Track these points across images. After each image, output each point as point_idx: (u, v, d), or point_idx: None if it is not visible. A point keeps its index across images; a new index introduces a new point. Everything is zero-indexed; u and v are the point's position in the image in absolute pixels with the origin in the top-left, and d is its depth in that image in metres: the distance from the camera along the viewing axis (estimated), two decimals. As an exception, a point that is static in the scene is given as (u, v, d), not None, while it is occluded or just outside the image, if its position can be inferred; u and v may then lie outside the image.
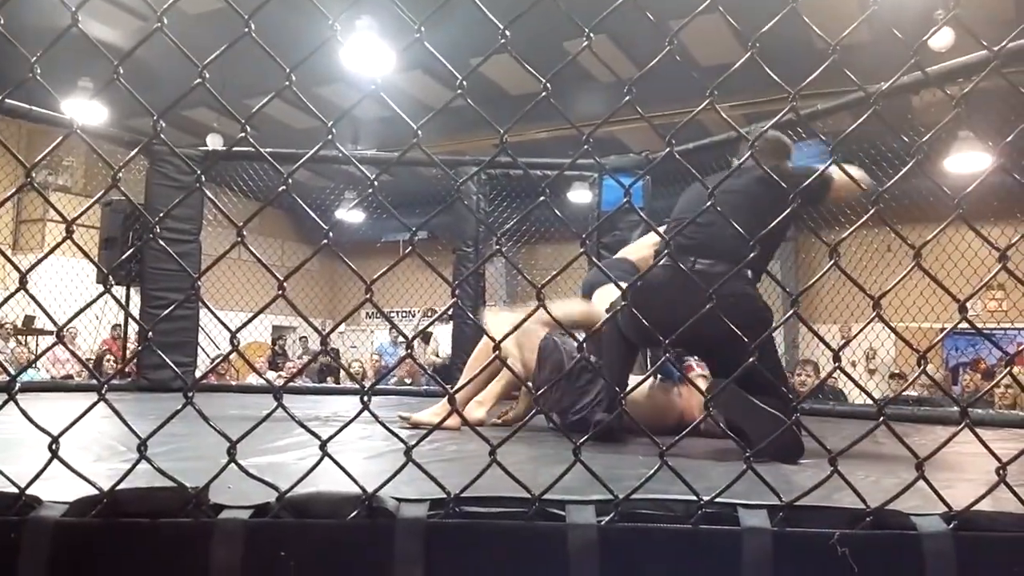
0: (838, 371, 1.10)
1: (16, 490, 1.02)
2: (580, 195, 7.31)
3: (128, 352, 6.82)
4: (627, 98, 1.04)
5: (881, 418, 1.08)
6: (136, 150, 1.29)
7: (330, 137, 1.09)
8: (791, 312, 1.04)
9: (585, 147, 1.05)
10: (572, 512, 1.03)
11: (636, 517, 1.02)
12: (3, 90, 1.19)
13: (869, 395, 1.25)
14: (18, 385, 1.08)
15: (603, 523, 1.01)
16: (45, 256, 1.16)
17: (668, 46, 1.00)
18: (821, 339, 1.22)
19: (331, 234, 1.10)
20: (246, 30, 1.08)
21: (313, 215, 1.22)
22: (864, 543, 0.99)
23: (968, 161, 6.48)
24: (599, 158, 5.84)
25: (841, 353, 1.12)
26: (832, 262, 1.12)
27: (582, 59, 1.14)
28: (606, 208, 5.92)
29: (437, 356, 8.83)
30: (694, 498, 1.02)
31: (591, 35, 1.07)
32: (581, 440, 1.10)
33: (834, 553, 0.98)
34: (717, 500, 1.02)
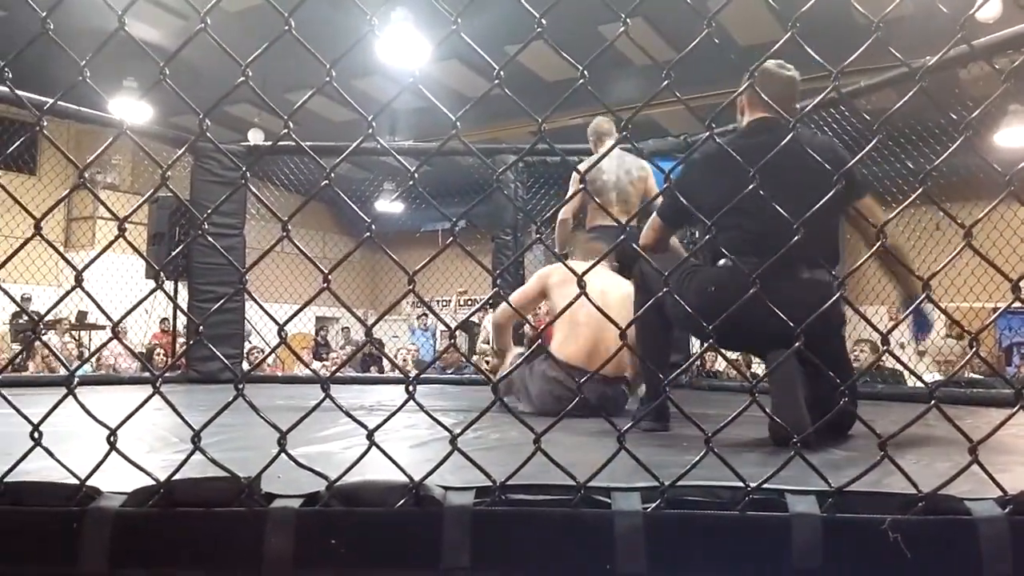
0: (890, 354, 1.08)
1: (77, 481, 1.06)
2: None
3: (178, 346, 6.97)
4: (665, 83, 1.03)
5: (932, 401, 1.06)
6: (184, 149, 1.32)
7: (370, 131, 1.10)
8: (836, 295, 1.02)
9: (624, 134, 1.05)
10: (618, 499, 1.03)
11: (682, 504, 1.01)
12: (51, 92, 1.22)
13: (919, 378, 1.22)
14: (76, 380, 1.12)
15: (649, 510, 1.01)
16: (100, 254, 1.19)
17: (706, 28, 0.99)
18: (868, 321, 1.20)
19: (373, 227, 1.11)
20: (286, 28, 1.10)
21: (355, 208, 1.23)
22: (917, 529, 0.97)
23: (1019, 135, 6.29)
24: (637, 142, 5.80)
25: (890, 336, 1.10)
26: (879, 243, 1.10)
27: (617, 43, 1.12)
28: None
29: (487, 344, 8.81)
30: (741, 484, 1.01)
31: (627, 20, 1.06)
32: (626, 427, 1.10)
33: (886, 539, 0.97)
34: (765, 486, 1.02)
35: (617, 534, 1.00)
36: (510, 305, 3.42)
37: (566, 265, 1.21)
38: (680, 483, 1.02)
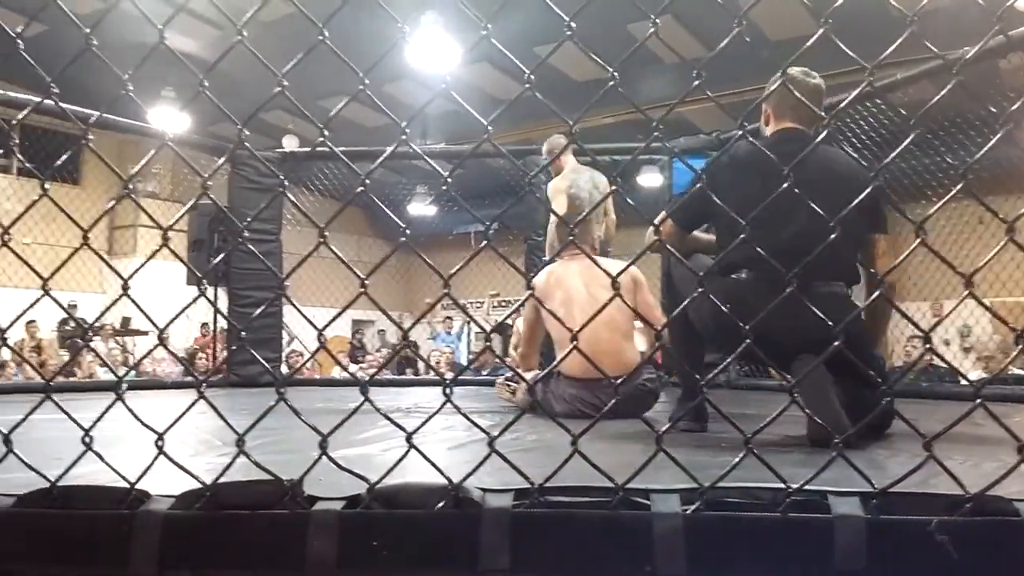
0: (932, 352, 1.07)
1: (126, 485, 1.08)
2: (650, 178, 7.22)
3: (219, 350, 7.08)
4: (696, 83, 1.03)
5: (978, 399, 1.04)
6: (223, 160, 1.35)
7: (404, 137, 1.11)
8: (876, 293, 1.01)
9: (656, 134, 1.05)
10: (657, 501, 1.03)
11: (722, 506, 1.01)
12: (90, 103, 1.26)
13: (964, 376, 1.20)
14: (125, 386, 1.14)
15: (689, 512, 1.01)
16: (145, 262, 1.22)
17: (736, 28, 0.98)
18: (910, 320, 1.18)
19: (408, 231, 1.13)
20: (320, 38, 1.11)
21: (391, 214, 1.25)
22: (964, 530, 0.96)
23: (1064, 125, 6.12)
24: (668, 140, 5.76)
25: (933, 333, 1.08)
26: (918, 240, 1.09)
27: (648, 41, 1.12)
28: (678, 191, 5.84)
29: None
30: (782, 485, 1.01)
31: (657, 21, 1.05)
32: (663, 428, 1.10)
33: (932, 541, 0.95)
34: (806, 487, 1.01)
35: (656, 536, 0.99)
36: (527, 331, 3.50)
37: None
38: (720, 484, 1.02)
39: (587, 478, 1.08)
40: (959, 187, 1.12)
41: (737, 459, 1.03)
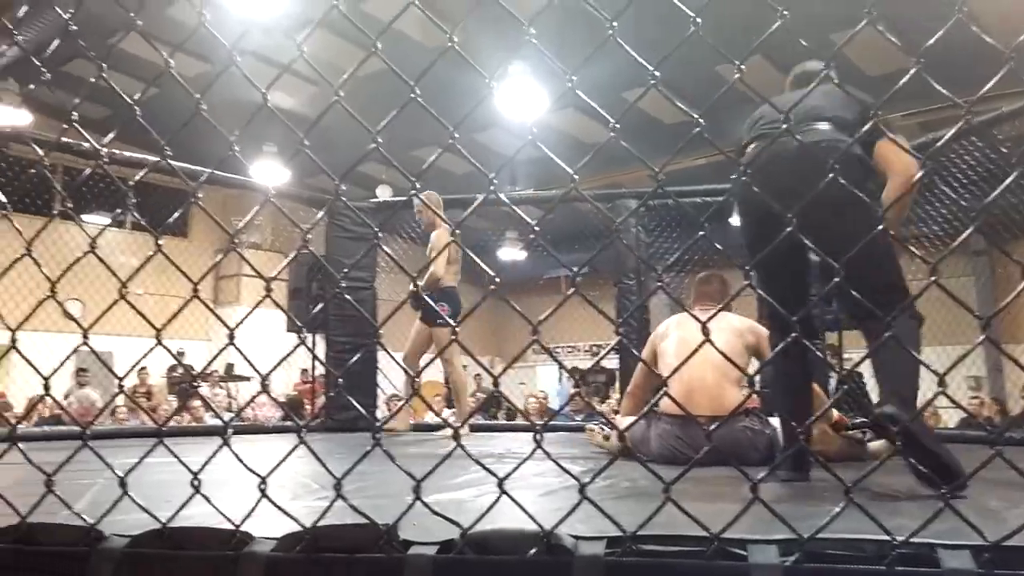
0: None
1: (232, 527, 1.13)
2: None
3: (320, 396, 7.28)
4: (784, 127, 1.02)
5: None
6: (321, 213, 1.41)
7: (492, 188, 1.14)
8: (982, 338, 0.96)
9: (743, 177, 1.04)
10: (754, 552, 1.00)
11: (823, 558, 0.97)
12: (200, 160, 1.34)
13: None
14: (230, 431, 1.20)
15: (788, 564, 0.97)
16: (250, 312, 1.28)
17: (824, 71, 0.97)
18: (1021, 366, 1.12)
19: (497, 279, 1.15)
20: (412, 96, 1.16)
21: (479, 261, 1.28)
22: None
23: None
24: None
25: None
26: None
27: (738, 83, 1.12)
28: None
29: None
30: (887, 537, 0.96)
31: (742, 67, 1.06)
32: (760, 477, 1.07)
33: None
34: (913, 540, 0.96)
35: (755, 588, 0.97)
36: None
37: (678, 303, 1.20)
38: (820, 535, 0.98)
39: (682, 526, 1.06)
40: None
41: (838, 509, 1.00)
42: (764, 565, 0.98)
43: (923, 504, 1.76)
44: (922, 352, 1.99)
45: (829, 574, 0.96)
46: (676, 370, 1.20)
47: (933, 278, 0.97)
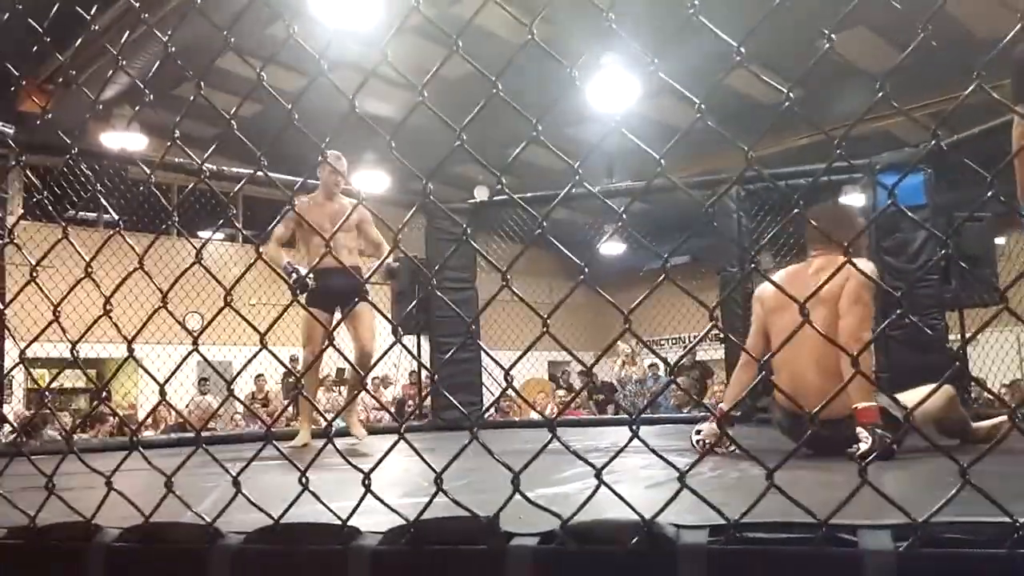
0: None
1: (339, 522, 1.17)
2: (855, 199, 6.77)
3: (424, 396, 7.43)
4: (880, 94, 0.97)
5: None
6: (410, 214, 1.45)
7: (577, 178, 1.14)
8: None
9: (838, 152, 1.00)
10: (865, 537, 0.96)
11: (940, 542, 0.92)
12: (289, 168, 1.39)
13: None
14: (334, 430, 1.25)
15: (902, 549, 0.93)
16: (343, 319, 1.32)
17: (921, 33, 0.92)
18: None
19: (587, 269, 1.15)
20: (494, 91, 1.17)
21: (566, 251, 1.27)
22: None
23: None
24: (872, 156, 5.41)
25: None
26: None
27: (843, 51, 1.07)
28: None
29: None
30: (1008, 519, 0.91)
31: (832, 36, 1.02)
32: (867, 459, 1.03)
33: None
34: (1039, 522, 0.90)
35: (868, 574, 0.93)
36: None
37: (776, 285, 1.16)
38: (935, 519, 0.93)
39: (790, 515, 1.03)
40: None
41: (953, 491, 0.94)
42: (878, 551, 0.94)
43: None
44: None
45: (946, 559, 0.91)
46: (775, 353, 1.16)
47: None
